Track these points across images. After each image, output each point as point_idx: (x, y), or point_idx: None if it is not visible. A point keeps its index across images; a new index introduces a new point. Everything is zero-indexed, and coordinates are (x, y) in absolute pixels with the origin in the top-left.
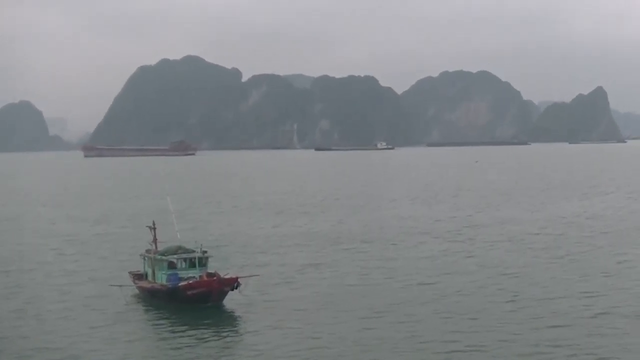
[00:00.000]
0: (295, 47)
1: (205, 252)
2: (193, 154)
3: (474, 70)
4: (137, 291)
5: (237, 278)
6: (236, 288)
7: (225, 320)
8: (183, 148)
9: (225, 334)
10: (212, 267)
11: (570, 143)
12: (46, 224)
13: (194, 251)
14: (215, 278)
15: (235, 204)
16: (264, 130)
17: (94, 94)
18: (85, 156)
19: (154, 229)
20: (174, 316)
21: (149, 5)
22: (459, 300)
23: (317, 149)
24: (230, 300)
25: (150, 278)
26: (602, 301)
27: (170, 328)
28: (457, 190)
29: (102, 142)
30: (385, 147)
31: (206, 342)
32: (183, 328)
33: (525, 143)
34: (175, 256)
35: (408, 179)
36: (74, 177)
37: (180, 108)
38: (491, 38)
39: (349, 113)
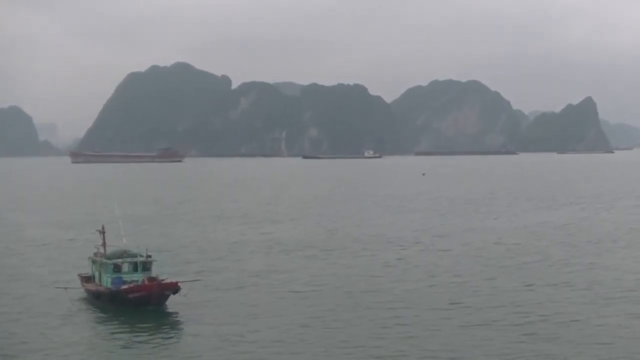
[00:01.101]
0: (285, 55)
1: (150, 256)
2: (180, 161)
3: (464, 80)
4: (84, 293)
5: (177, 283)
6: (176, 292)
7: (165, 324)
8: (170, 155)
9: (163, 337)
10: (167, 272)
11: (558, 153)
12: (15, 229)
13: (138, 255)
14: (155, 282)
15: (209, 210)
16: (252, 138)
17: (85, 100)
18: (73, 162)
19: (103, 233)
20: (116, 319)
21: (139, 12)
22: (397, 307)
23: (305, 157)
24: (175, 304)
25: (97, 281)
26: (539, 310)
27: (110, 330)
28: (431, 199)
29: (91, 149)
30: (373, 155)
31: (144, 345)
32: (123, 330)
33: (513, 153)
34: (120, 260)
35: (386, 187)
36: (56, 183)
37: (169, 115)
38: (481, 48)
39: (338, 121)
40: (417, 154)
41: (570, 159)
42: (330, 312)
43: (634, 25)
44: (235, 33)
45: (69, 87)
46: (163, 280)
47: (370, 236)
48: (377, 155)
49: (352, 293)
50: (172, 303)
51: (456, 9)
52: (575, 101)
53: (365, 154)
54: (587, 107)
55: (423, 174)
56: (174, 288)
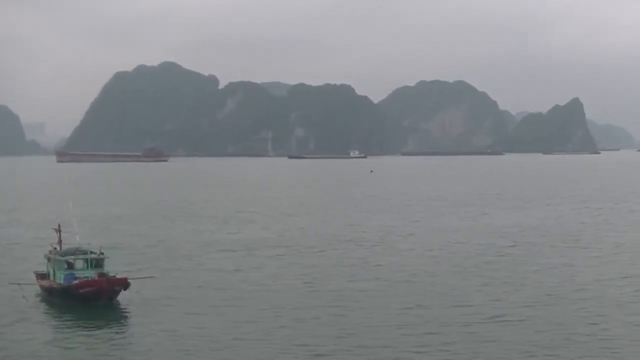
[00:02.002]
0: (273, 55)
1: (102, 253)
2: (165, 161)
3: (451, 80)
4: (39, 290)
5: (126, 279)
6: (127, 288)
7: (114, 319)
8: (155, 155)
9: (111, 332)
10: (128, 270)
11: (544, 154)
12: None
13: (91, 252)
14: (104, 278)
15: (183, 210)
16: (239, 138)
17: (74, 99)
18: (58, 161)
19: (59, 231)
20: (67, 314)
21: (126, 12)
22: (350, 304)
23: (290, 157)
24: (127, 301)
25: (51, 277)
26: (488, 310)
27: (59, 326)
28: (404, 199)
29: (78, 148)
30: (358, 155)
31: (92, 339)
32: (72, 326)
33: (499, 153)
34: (72, 257)
35: (364, 187)
36: (35, 182)
37: (156, 114)
38: (470, 49)
39: (325, 121)
40: (404, 154)
41: (555, 160)
42: (278, 310)
43: (622, 27)
44: (223, 33)
45: (58, 87)
46: (114, 276)
47: (337, 236)
48: (362, 155)
49: (310, 292)
50: (124, 299)
51: (445, 10)
52: (563, 102)
53: (351, 154)
54: (574, 108)
55: (371, 171)
56: (124, 284)
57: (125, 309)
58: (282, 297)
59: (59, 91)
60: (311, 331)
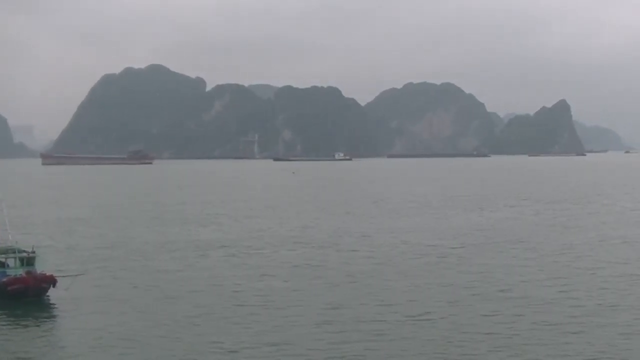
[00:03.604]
0: (260, 58)
1: (33, 252)
2: (150, 163)
3: (438, 82)
4: None
5: (52, 275)
6: (54, 285)
7: (41, 316)
8: (140, 157)
9: (37, 329)
10: (70, 269)
11: (530, 155)
12: None
13: (22, 251)
14: (31, 275)
15: (150, 212)
16: (226, 140)
17: (62, 102)
18: (44, 164)
19: None
20: None
21: (114, 14)
22: (273, 303)
23: (276, 159)
24: (57, 298)
25: None
26: (406, 309)
27: None
28: (373, 200)
29: (63, 151)
30: (343, 158)
31: (15, 336)
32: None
33: (485, 155)
34: (3, 255)
35: (337, 189)
36: (16, 185)
37: (144, 117)
38: (457, 50)
39: (312, 124)
40: (390, 156)
41: (538, 162)
42: (206, 309)
43: (610, 29)
44: (210, 35)
45: (46, 89)
46: (43, 274)
47: (291, 237)
48: (348, 157)
49: (240, 291)
50: (55, 297)
51: (432, 12)
52: (552, 104)
53: (336, 157)
54: (561, 110)
55: (293, 173)
56: (51, 281)
57: (53, 306)
58: (207, 298)
59: (47, 94)
60: (228, 329)
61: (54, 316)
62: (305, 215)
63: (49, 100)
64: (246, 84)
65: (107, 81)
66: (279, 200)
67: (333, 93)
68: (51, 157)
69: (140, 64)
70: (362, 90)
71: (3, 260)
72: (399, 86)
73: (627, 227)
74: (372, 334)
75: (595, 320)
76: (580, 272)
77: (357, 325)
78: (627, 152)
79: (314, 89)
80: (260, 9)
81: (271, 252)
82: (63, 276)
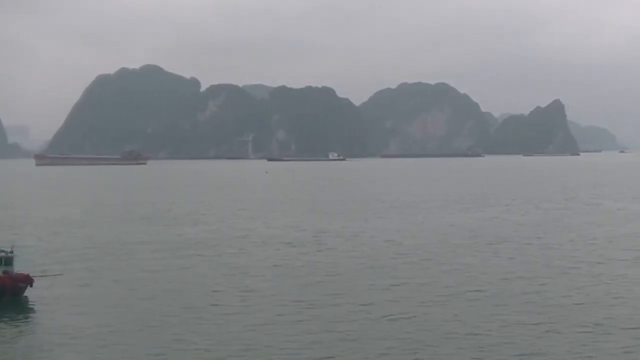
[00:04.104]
0: (255, 58)
1: (12, 252)
2: (144, 164)
3: (433, 82)
4: None
5: (28, 275)
6: (31, 285)
7: (18, 315)
8: (134, 158)
9: (11, 327)
10: (53, 268)
11: (524, 155)
12: None
13: (1, 251)
14: (7, 275)
15: (136, 212)
16: (221, 140)
17: (58, 102)
18: (37, 165)
19: None
20: None
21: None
22: (244, 303)
23: (270, 159)
24: (39, 297)
25: None
26: (379, 310)
27: None
28: (362, 200)
29: (59, 151)
30: (337, 158)
31: None
32: None
33: (479, 155)
34: None
35: (327, 189)
36: (6, 186)
37: (138, 117)
38: (452, 50)
39: (306, 124)
40: (384, 156)
41: (532, 162)
42: (183, 309)
43: (610, 29)
44: (205, 35)
45: (45, 89)
46: (20, 273)
47: (274, 237)
48: (341, 157)
49: (209, 292)
50: (33, 296)
51: (432, 12)
52: (547, 104)
53: (330, 157)
54: (556, 110)
55: (266, 172)
56: (28, 281)
57: (31, 305)
58: (190, 297)
59: (46, 94)
60: (202, 329)
61: (30, 316)
62: (293, 215)
63: (47, 100)
64: (246, 84)
65: (102, 81)
66: (270, 200)
67: (327, 93)
68: (45, 157)
69: (134, 64)
70: (362, 90)
71: None
72: (394, 86)
73: (613, 226)
74: (345, 334)
75: (570, 319)
76: (559, 271)
77: (330, 326)
78: (621, 151)
79: (309, 89)
80: (260, 9)
81: (255, 252)
82: (41, 276)
